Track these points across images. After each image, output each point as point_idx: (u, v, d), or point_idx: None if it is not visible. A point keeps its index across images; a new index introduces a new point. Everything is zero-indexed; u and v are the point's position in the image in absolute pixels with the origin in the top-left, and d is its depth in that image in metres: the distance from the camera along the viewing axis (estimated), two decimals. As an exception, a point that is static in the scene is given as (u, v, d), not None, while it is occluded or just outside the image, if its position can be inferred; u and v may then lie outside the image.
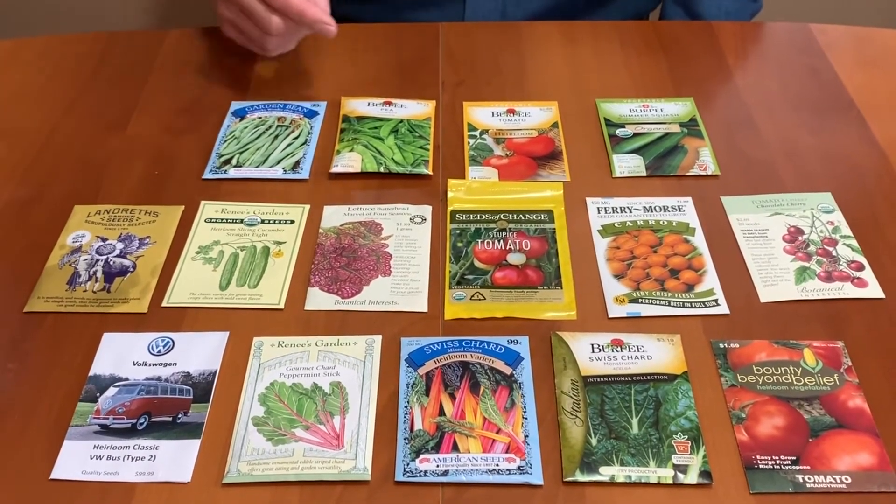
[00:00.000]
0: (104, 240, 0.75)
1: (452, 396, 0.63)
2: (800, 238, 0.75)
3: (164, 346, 0.66)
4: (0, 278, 0.72)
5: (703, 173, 0.82)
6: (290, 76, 0.95)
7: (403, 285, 0.71)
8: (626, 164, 0.83)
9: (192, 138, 0.87)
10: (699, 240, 0.75)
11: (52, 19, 1.78)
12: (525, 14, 1.10)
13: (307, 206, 0.79)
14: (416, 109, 0.90)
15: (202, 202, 0.79)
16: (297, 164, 0.83)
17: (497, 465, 0.58)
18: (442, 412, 0.62)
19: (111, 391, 0.63)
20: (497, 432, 0.60)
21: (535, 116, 0.89)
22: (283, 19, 0.85)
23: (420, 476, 0.58)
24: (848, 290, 0.70)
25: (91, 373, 0.64)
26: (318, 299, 0.70)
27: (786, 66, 0.97)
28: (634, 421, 0.61)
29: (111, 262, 0.73)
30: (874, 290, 0.70)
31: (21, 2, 1.75)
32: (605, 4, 1.14)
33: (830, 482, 0.58)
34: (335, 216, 0.78)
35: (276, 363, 0.65)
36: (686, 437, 0.60)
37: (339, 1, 0.92)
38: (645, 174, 0.82)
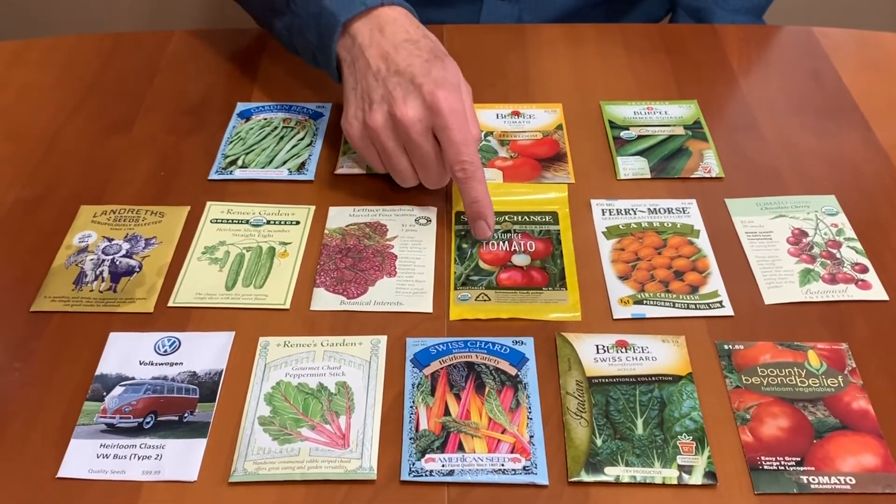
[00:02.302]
0: (110, 240, 0.75)
1: (458, 397, 0.63)
2: (804, 240, 0.75)
3: (170, 346, 0.66)
4: (7, 278, 0.73)
5: (707, 176, 0.82)
6: (295, 78, 0.95)
7: (408, 286, 0.71)
8: (631, 167, 0.83)
9: (198, 139, 0.87)
10: (703, 242, 0.75)
11: (57, 21, 1.78)
12: (540, 21, 1.10)
13: (312, 207, 0.79)
14: (421, 111, 0.90)
15: (208, 203, 0.79)
16: (302, 165, 0.83)
17: (502, 465, 0.59)
18: (447, 412, 0.62)
19: (118, 390, 0.63)
20: (502, 432, 0.60)
21: (540, 119, 0.89)
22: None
23: (425, 476, 0.58)
24: (852, 293, 0.71)
25: (97, 372, 0.65)
26: (324, 300, 0.70)
27: (789, 69, 0.97)
28: (639, 422, 0.61)
29: (117, 262, 0.73)
30: (878, 293, 0.71)
31: (27, 3, 1.76)
32: (618, 16, 1.15)
33: (835, 483, 0.58)
34: (340, 217, 0.78)
35: (281, 363, 0.65)
36: (691, 437, 0.60)
37: None
38: (649, 176, 0.82)
